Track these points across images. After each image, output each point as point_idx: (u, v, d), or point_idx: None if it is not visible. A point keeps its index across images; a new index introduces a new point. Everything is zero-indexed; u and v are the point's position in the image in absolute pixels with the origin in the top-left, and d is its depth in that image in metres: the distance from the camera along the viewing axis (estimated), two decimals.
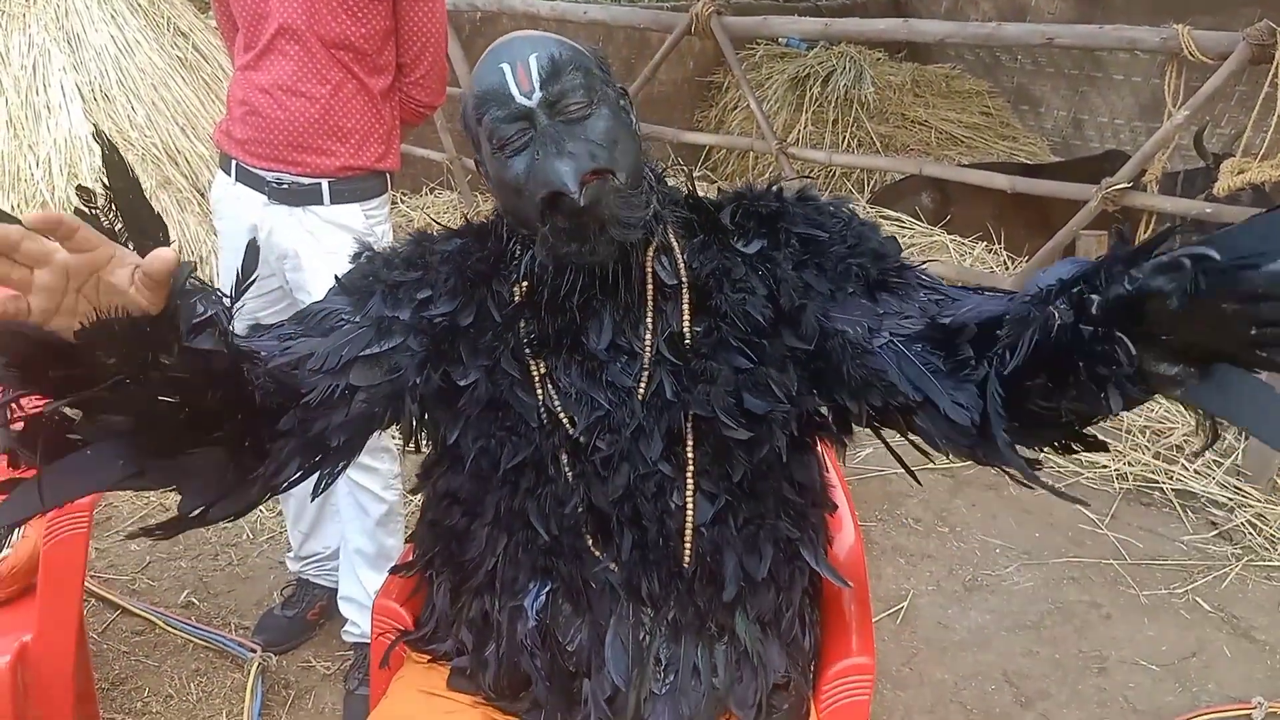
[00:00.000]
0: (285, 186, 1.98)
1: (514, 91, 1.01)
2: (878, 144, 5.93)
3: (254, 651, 2.23)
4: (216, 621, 2.39)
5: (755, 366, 1.07)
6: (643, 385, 1.07)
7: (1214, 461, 3.19)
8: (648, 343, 1.07)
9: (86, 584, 2.22)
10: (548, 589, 1.12)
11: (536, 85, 1.00)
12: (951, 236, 4.62)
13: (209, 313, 0.82)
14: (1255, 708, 2.19)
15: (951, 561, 2.79)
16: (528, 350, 1.08)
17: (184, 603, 2.46)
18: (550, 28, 5.56)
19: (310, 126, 1.94)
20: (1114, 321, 0.75)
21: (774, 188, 1.14)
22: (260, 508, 2.78)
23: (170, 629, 2.33)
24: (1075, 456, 3.25)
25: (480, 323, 1.10)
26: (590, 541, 1.10)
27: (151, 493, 2.87)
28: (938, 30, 3.77)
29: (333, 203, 1.99)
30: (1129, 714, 2.22)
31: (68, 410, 0.79)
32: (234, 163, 2.02)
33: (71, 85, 3.76)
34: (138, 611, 2.37)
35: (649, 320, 1.07)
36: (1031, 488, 0.93)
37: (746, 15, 4.40)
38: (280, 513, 2.71)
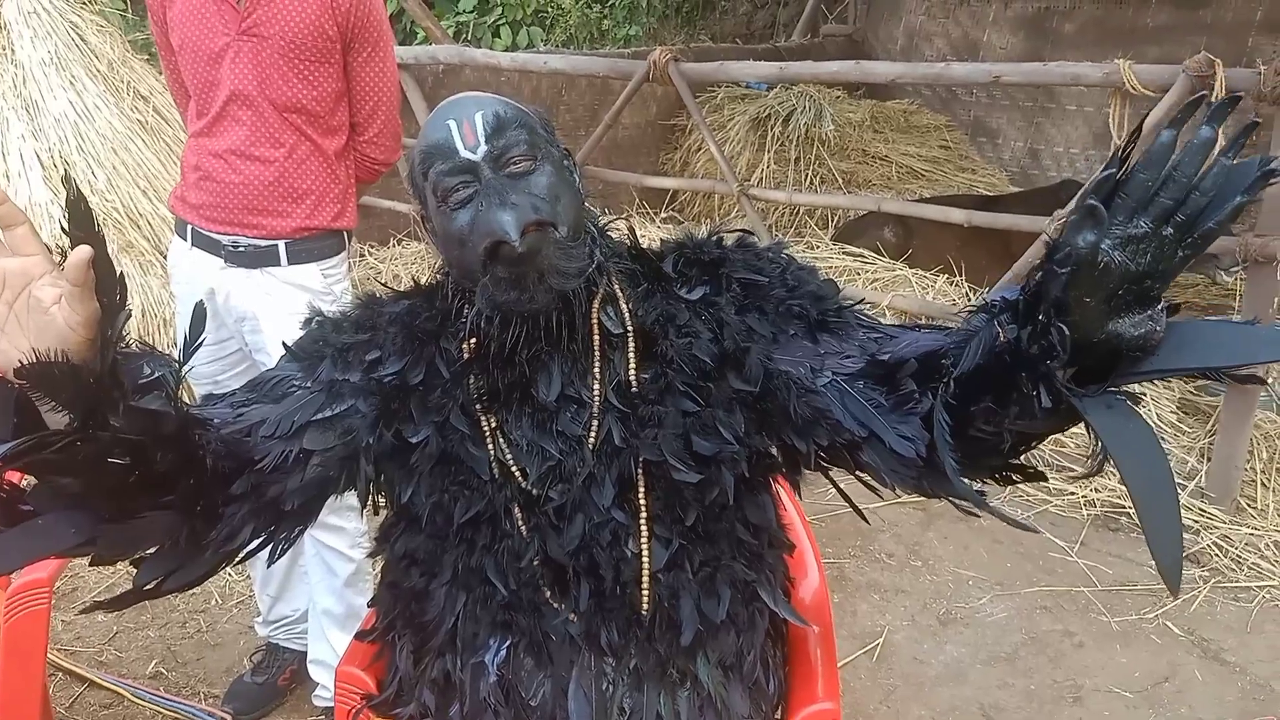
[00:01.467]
0: (241, 249, 1.98)
1: (459, 145, 1.04)
2: (840, 180, 6.01)
3: None
4: (186, 691, 2.36)
5: (702, 409, 1.09)
6: (593, 434, 1.09)
7: (1178, 484, 3.23)
8: (596, 392, 1.09)
9: (52, 657, 2.19)
10: (508, 644, 1.13)
11: (482, 140, 1.03)
12: (914, 270, 4.67)
13: (156, 374, 0.83)
14: None
15: (925, 595, 2.80)
16: (478, 405, 1.10)
17: (152, 673, 2.43)
18: (513, 78, 5.63)
19: (265, 190, 1.95)
20: (1049, 315, 0.78)
21: (714, 236, 1.18)
22: (229, 571, 2.78)
23: (139, 701, 2.29)
24: (1044, 484, 3.29)
25: (429, 380, 1.11)
26: (548, 594, 1.11)
27: (118, 564, 2.83)
28: (889, 71, 3.85)
29: (290, 263, 2.00)
30: None
31: (17, 478, 0.81)
32: (189, 227, 2.02)
33: (30, 152, 3.76)
34: (105, 684, 2.33)
35: (596, 370, 1.09)
36: (978, 515, 0.96)
37: (705, 60, 4.48)
38: (249, 576, 2.68)
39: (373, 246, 5.41)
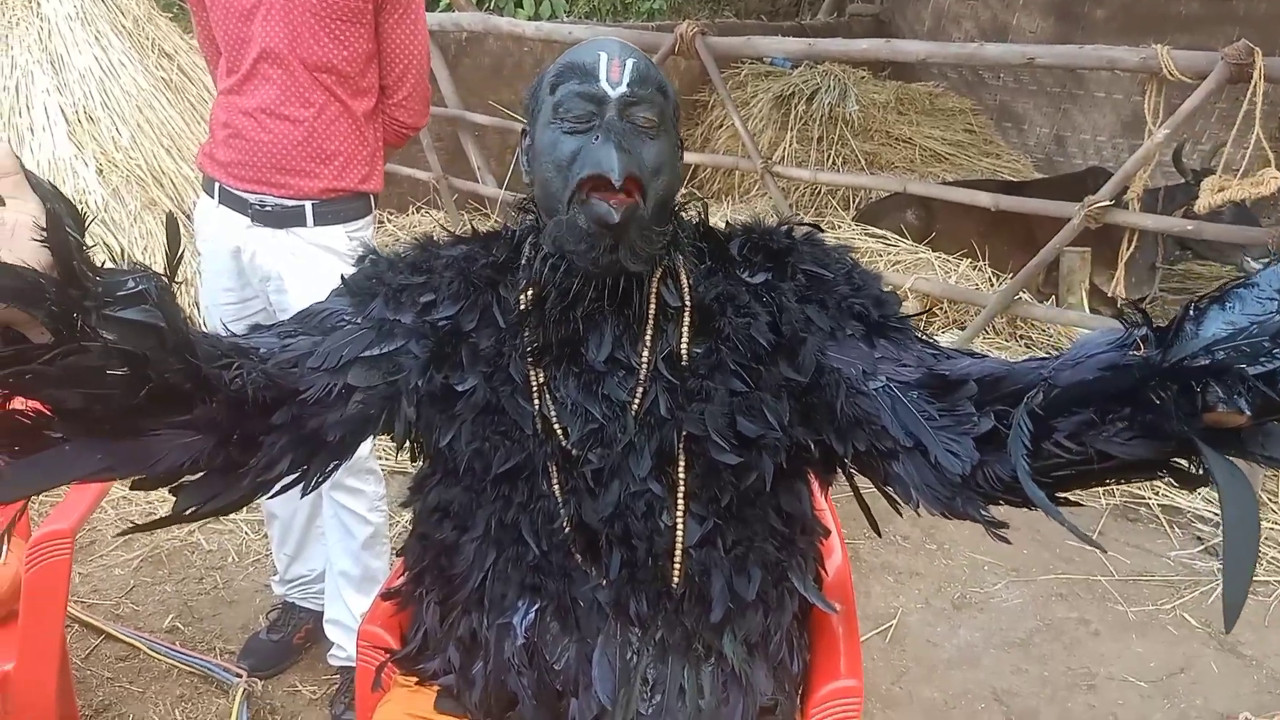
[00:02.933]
0: (268, 208, 1.97)
1: (602, 74, 1.04)
2: (862, 162, 5.97)
3: (239, 676, 2.21)
4: (201, 646, 2.37)
5: (750, 391, 1.08)
6: (637, 400, 1.08)
7: None
8: (645, 359, 1.08)
9: (70, 610, 2.20)
10: (536, 607, 1.12)
11: (624, 81, 1.04)
12: (936, 254, 4.64)
13: (140, 287, 0.83)
14: None
15: (940, 579, 2.79)
16: (528, 359, 1.09)
17: (168, 627, 2.44)
18: (535, 48, 5.60)
19: (294, 149, 1.94)
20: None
21: (784, 226, 1.17)
22: (246, 530, 2.79)
23: (154, 654, 2.30)
24: None
25: (483, 328, 1.11)
26: (579, 559, 1.10)
27: (136, 513, 2.85)
28: (919, 50, 3.80)
29: (316, 224, 1.99)
30: None
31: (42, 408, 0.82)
32: (217, 185, 2.01)
33: (55, 108, 3.75)
34: (121, 637, 2.35)
35: (648, 338, 1.09)
36: (1003, 530, 0.96)
37: (731, 35, 4.43)
38: (266, 535, 2.69)
39: (391, 213, 5.40)
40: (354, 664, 2.11)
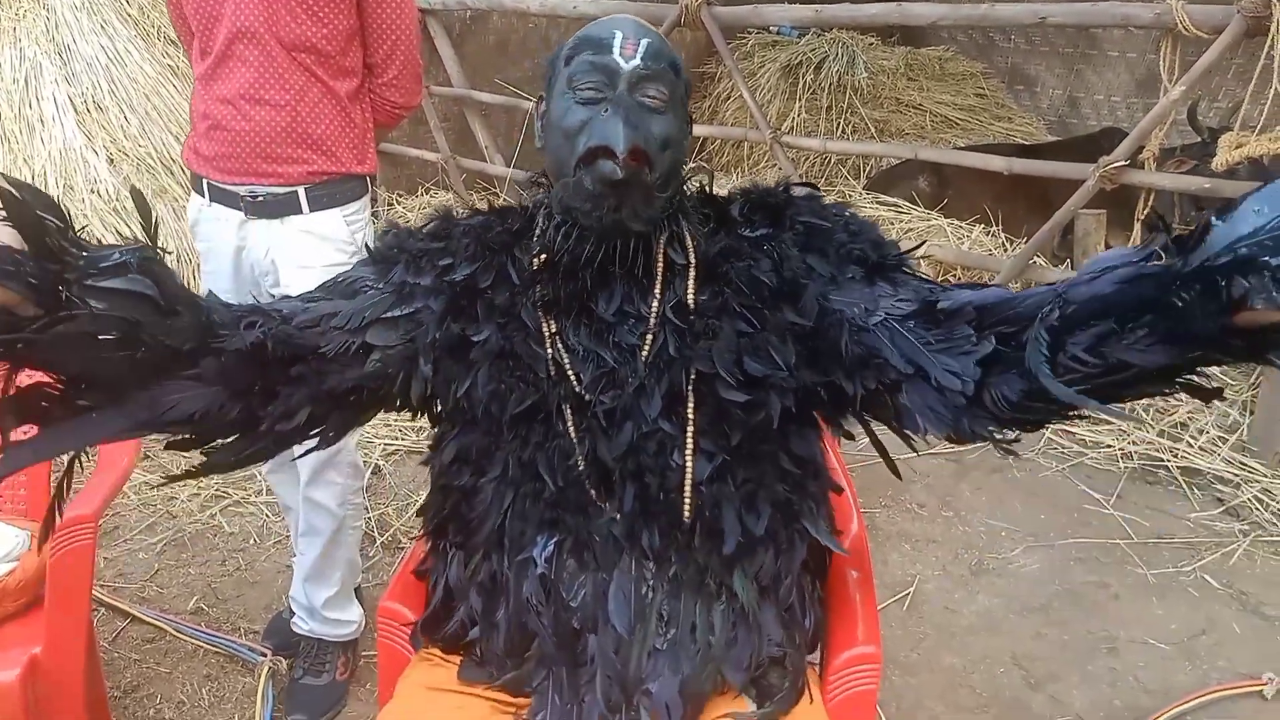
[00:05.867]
0: (260, 199, 1.91)
1: (616, 49, 1.10)
2: (872, 129, 5.91)
3: (264, 656, 2.24)
4: (226, 627, 2.40)
5: (756, 332, 1.12)
6: (646, 345, 1.13)
7: (1219, 438, 3.19)
8: (654, 309, 1.13)
9: (95, 593, 2.23)
10: (555, 540, 1.15)
11: (637, 57, 1.10)
12: (949, 220, 4.60)
13: (121, 259, 0.90)
14: (1266, 683, 2.19)
15: (957, 546, 2.79)
16: (540, 310, 1.14)
17: (193, 609, 2.47)
18: (540, 24, 5.56)
19: (278, 135, 1.88)
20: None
21: (780, 185, 1.22)
22: (267, 513, 2.82)
23: (180, 635, 2.33)
24: (1079, 437, 3.26)
25: (498, 284, 1.16)
26: (594, 494, 1.14)
27: (158, 498, 2.88)
28: (930, 13, 3.74)
29: (311, 210, 1.93)
30: (1140, 694, 2.22)
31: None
32: (204, 181, 1.95)
33: (64, 97, 3.76)
34: (147, 619, 2.38)
35: (657, 291, 1.14)
36: (1014, 454, 1.02)
37: (736, 4, 4.39)
38: (285, 517, 2.71)
39: (400, 195, 5.39)
40: (315, 635, 2.16)
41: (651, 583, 1.13)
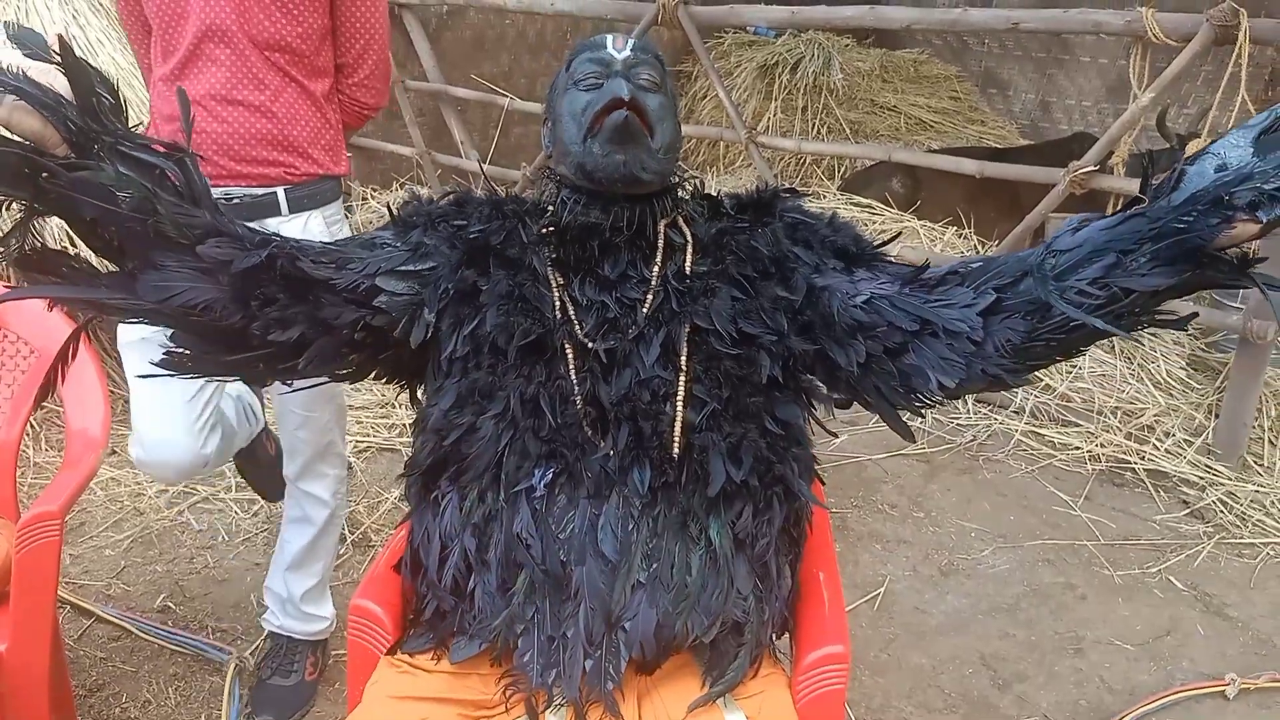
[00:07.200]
0: (236, 201, 1.83)
1: (609, 44, 1.27)
2: (847, 130, 5.94)
3: (230, 654, 2.22)
4: (194, 625, 2.37)
5: (750, 299, 1.24)
6: (648, 301, 1.24)
7: (1185, 441, 3.24)
8: (655, 273, 1.25)
9: (61, 591, 2.20)
10: (553, 469, 1.18)
11: (627, 48, 1.27)
12: (922, 222, 4.63)
13: (158, 144, 1.05)
14: (1229, 684, 2.23)
15: (927, 546, 2.81)
16: (549, 264, 1.25)
17: (160, 606, 2.44)
18: (518, 20, 5.54)
19: (253, 137, 1.82)
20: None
21: (766, 186, 1.37)
22: (236, 510, 2.79)
23: (144, 635, 2.31)
24: (1048, 439, 3.30)
25: (509, 242, 1.27)
26: (590, 433, 1.20)
27: (125, 494, 2.84)
28: (903, 17, 3.77)
29: (292, 212, 1.88)
30: (1105, 694, 2.25)
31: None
32: None
33: None
34: (111, 618, 2.35)
35: (658, 259, 1.26)
36: (1017, 382, 1.17)
37: (713, 4, 4.39)
38: (255, 515, 2.70)
39: (375, 190, 5.35)
40: (285, 633, 2.13)
41: (637, 520, 1.17)
